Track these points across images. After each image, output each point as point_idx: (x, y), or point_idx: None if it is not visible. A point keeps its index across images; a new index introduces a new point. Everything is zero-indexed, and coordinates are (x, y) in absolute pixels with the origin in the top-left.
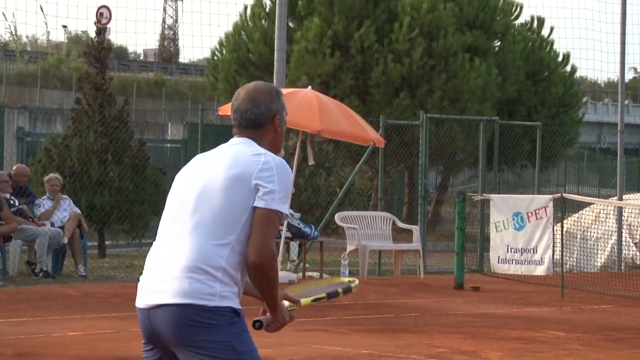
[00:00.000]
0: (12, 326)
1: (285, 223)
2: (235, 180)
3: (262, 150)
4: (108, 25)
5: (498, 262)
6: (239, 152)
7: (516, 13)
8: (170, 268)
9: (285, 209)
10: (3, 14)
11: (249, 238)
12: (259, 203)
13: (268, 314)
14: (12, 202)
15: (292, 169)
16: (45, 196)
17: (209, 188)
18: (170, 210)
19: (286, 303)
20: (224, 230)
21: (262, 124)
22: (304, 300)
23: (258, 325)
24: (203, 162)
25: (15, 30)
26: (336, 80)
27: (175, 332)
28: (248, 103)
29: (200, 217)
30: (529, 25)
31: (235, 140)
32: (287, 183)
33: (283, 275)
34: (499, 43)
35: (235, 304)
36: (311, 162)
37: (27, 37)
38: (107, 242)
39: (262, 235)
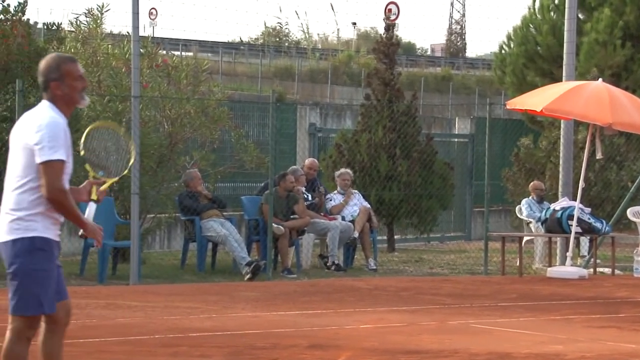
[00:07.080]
0: (306, 318)
1: (575, 218)
2: (24, 148)
3: (44, 114)
4: (396, 21)
5: None
6: (32, 118)
7: None
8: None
9: (57, 155)
10: (296, 12)
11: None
12: (37, 160)
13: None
14: (305, 196)
15: (581, 163)
16: (337, 190)
17: (16, 150)
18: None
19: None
20: (21, 178)
21: (44, 89)
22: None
23: (81, 234)
24: (18, 126)
25: (307, 29)
26: (628, 72)
27: (6, 262)
28: (39, 74)
29: (9, 172)
30: None
31: (39, 104)
32: (53, 133)
33: (573, 271)
34: None
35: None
36: (599, 155)
37: (318, 34)
38: (395, 237)
39: (45, 179)
